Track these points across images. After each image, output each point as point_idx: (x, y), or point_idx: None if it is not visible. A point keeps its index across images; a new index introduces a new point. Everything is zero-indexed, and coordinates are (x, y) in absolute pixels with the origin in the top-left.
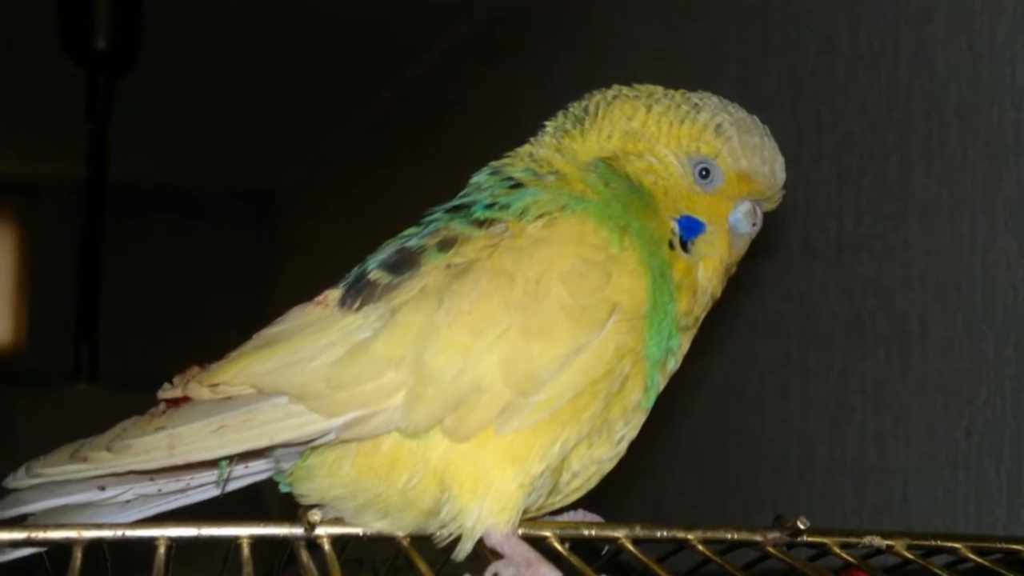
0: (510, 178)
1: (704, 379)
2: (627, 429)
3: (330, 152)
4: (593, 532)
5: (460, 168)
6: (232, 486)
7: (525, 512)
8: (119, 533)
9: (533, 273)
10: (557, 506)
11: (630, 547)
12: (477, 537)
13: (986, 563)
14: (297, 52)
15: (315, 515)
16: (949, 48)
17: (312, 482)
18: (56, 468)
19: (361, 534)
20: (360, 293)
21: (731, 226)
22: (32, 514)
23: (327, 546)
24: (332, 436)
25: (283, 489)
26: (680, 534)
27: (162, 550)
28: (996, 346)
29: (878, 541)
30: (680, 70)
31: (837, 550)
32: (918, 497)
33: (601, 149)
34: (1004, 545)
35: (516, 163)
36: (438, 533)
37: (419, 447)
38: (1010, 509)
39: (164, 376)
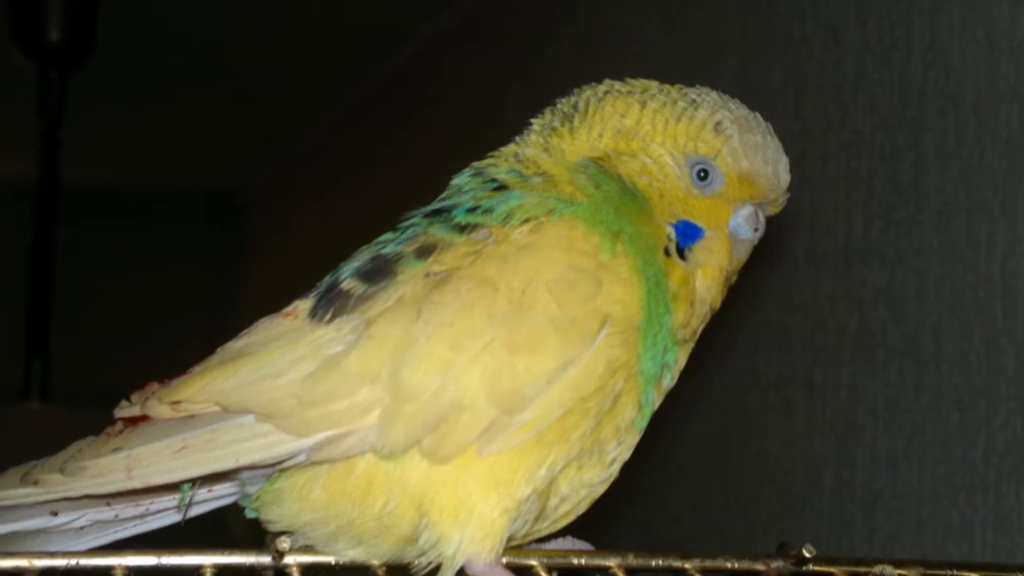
0: (494, 180)
1: (702, 396)
2: (620, 450)
3: (299, 151)
4: (583, 561)
5: (440, 169)
6: (195, 511)
7: (510, 539)
8: (73, 562)
9: (518, 282)
10: (544, 533)
11: None
12: (458, 566)
13: None
14: (264, 44)
15: (284, 543)
16: (966, 40)
17: (281, 507)
18: (5, 492)
19: (333, 563)
20: (332, 304)
21: (731, 231)
22: None
23: None
24: (302, 457)
25: (249, 515)
26: (676, 563)
27: None
28: (1017, 360)
29: (890, 571)
30: (677, 64)
31: None
32: (933, 523)
33: (592, 149)
34: None
35: (500, 164)
36: (416, 562)
37: (396, 469)
38: None
39: (121, 393)
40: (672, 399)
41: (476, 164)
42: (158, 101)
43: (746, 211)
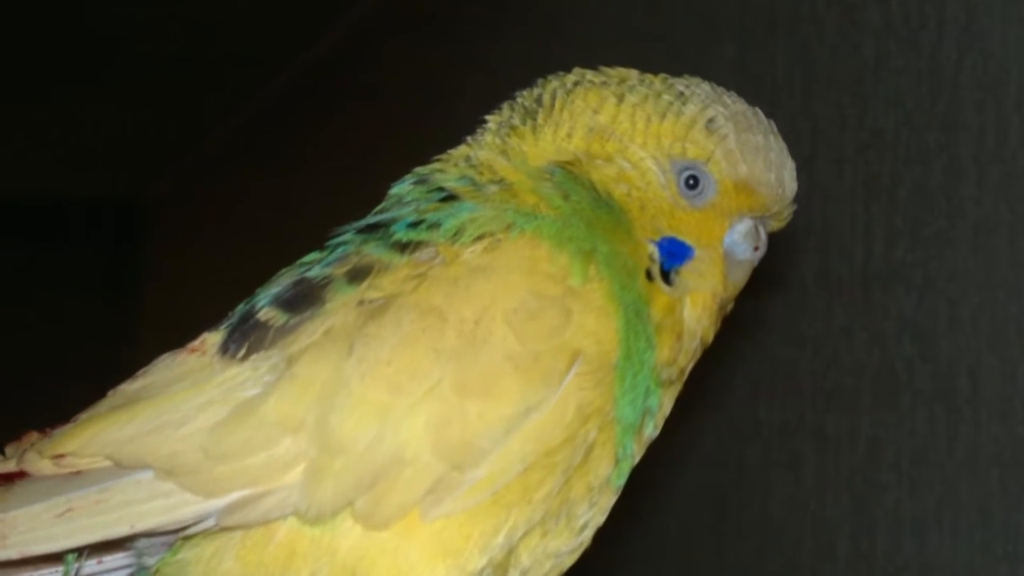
0: (441, 188)
1: (693, 448)
2: (592, 513)
3: (208, 154)
4: None
5: (376, 176)
6: None
7: None
8: None
9: (470, 312)
10: None
11: None
12: None
13: None
14: (165, 26)
15: None
16: (1008, 20)
17: None
18: None
19: None
20: (247, 337)
21: (726, 250)
22: None
23: None
24: (211, 522)
25: None
26: None
27: None
28: None
29: None
30: (662, 49)
31: None
32: None
33: (559, 151)
34: None
35: (449, 169)
36: None
37: (324, 536)
38: None
39: None
40: (656, 452)
41: (420, 169)
42: (42, 97)
43: (744, 226)
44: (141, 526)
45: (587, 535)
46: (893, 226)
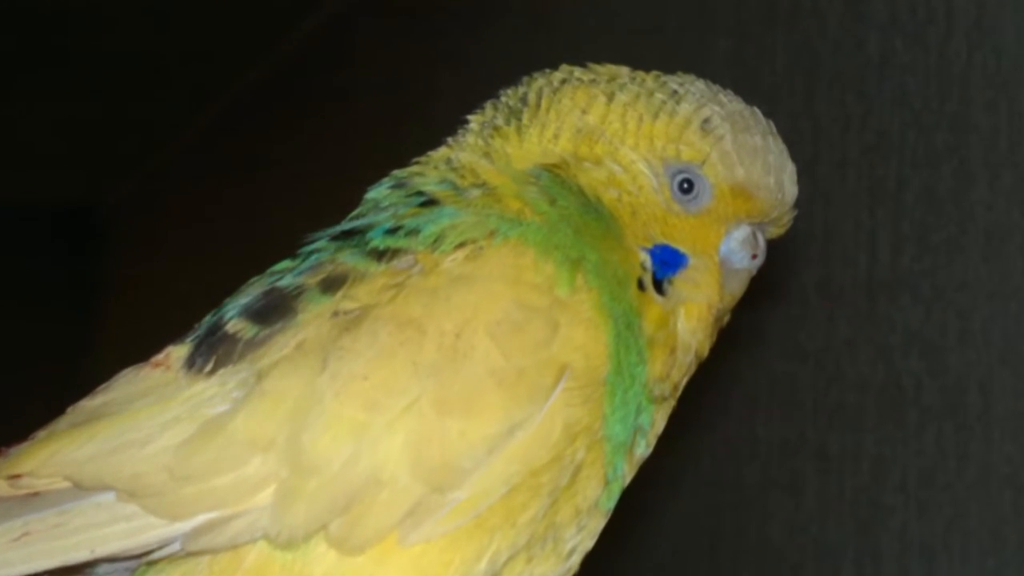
0: (420, 193)
1: (687, 469)
2: (580, 537)
3: (171, 157)
4: None
5: (351, 179)
6: None
7: None
8: None
9: (451, 324)
10: None
11: None
12: None
13: None
14: (125, 21)
15: None
16: (1022, 12)
17: None
18: None
19: None
20: (214, 351)
21: (723, 259)
22: None
23: None
24: (176, 547)
25: None
26: None
27: None
28: None
29: None
30: (654, 45)
31: None
32: None
33: (545, 153)
34: None
35: (428, 172)
36: None
37: (295, 562)
38: None
39: None
40: (648, 472)
41: (397, 173)
42: None
43: (741, 233)
44: (102, 551)
45: (575, 561)
46: (899, 233)
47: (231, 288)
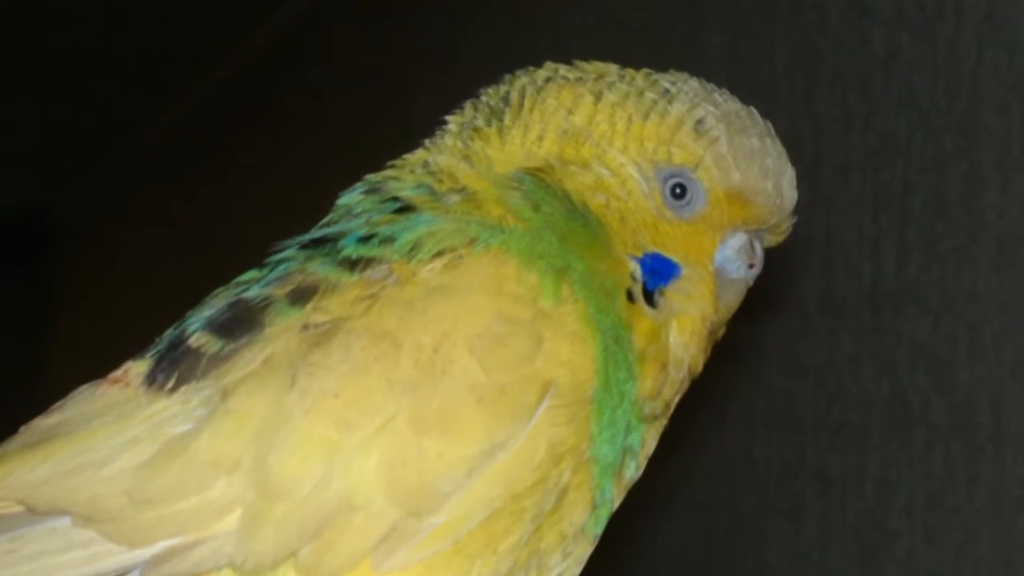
0: (395, 198)
1: (680, 492)
2: (566, 564)
3: (130, 160)
4: None
5: (322, 183)
6: None
7: None
8: None
9: (429, 338)
10: None
11: None
12: None
13: None
14: (82, 15)
15: None
16: None
17: None
18: None
19: None
20: (176, 366)
21: (718, 268)
22: None
23: None
24: (136, 575)
25: None
26: None
27: None
28: None
29: None
30: (645, 41)
31: None
32: None
33: (528, 156)
34: None
35: (404, 177)
36: None
37: None
38: None
39: None
40: (638, 496)
41: (371, 177)
42: None
43: (737, 241)
44: None
45: None
46: (905, 241)
47: (194, 300)
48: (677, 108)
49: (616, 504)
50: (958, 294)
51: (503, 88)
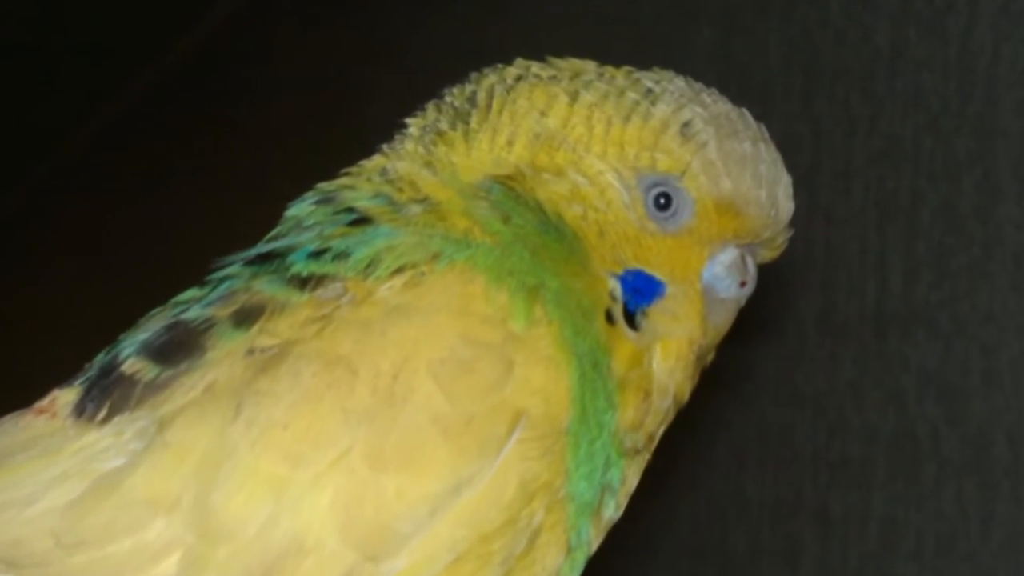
0: (350, 209)
1: (664, 534)
2: None
3: (57, 168)
4: None
5: (269, 193)
6: None
7: None
8: None
9: (387, 363)
10: None
11: None
12: None
13: None
14: (4, 10)
15: None
16: None
17: None
18: None
19: None
20: (108, 395)
21: (706, 286)
22: None
23: None
24: None
25: None
26: None
27: None
28: None
29: None
30: (627, 35)
31: None
32: None
33: (497, 163)
34: None
35: (360, 185)
36: None
37: None
38: None
39: None
40: (619, 538)
41: (324, 186)
42: None
43: (728, 256)
44: None
45: None
46: (914, 256)
47: (128, 321)
48: (661, 110)
49: (594, 547)
50: (972, 315)
51: (469, 88)
